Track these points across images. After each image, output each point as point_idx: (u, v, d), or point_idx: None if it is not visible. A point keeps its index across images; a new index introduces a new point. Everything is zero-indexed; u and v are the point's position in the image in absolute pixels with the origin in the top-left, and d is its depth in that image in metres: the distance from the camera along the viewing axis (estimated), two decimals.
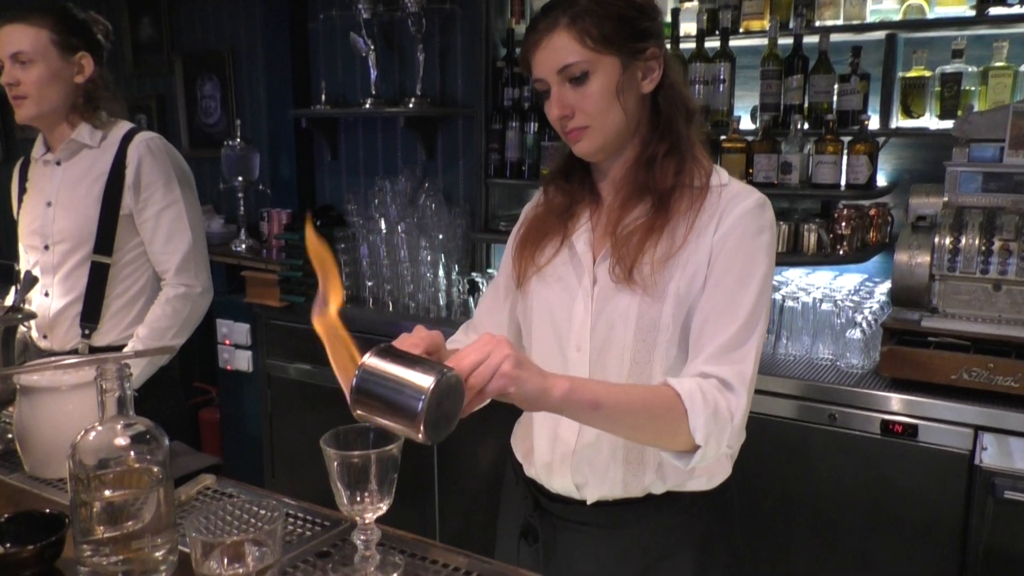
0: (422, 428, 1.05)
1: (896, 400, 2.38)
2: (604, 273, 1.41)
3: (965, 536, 2.31)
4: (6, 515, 1.30)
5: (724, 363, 1.29)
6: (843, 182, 2.74)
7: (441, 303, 3.34)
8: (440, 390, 1.06)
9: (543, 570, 1.50)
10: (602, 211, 1.47)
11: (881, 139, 2.76)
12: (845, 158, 2.72)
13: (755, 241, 1.34)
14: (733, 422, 1.27)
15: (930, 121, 2.73)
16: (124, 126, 2.37)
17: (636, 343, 1.38)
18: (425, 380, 1.06)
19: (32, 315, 1.92)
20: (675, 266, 1.36)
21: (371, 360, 1.10)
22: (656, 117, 1.42)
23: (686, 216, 1.37)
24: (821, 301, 2.71)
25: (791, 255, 2.81)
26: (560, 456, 1.47)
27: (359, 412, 1.10)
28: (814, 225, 2.78)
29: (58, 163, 2.36)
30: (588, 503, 1.47)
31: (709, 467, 1.46)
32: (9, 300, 2.21)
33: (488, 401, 1.35)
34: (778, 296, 2.78)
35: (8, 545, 1.26)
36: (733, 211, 1.36)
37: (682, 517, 1.47)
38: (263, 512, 1.21)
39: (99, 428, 1.22)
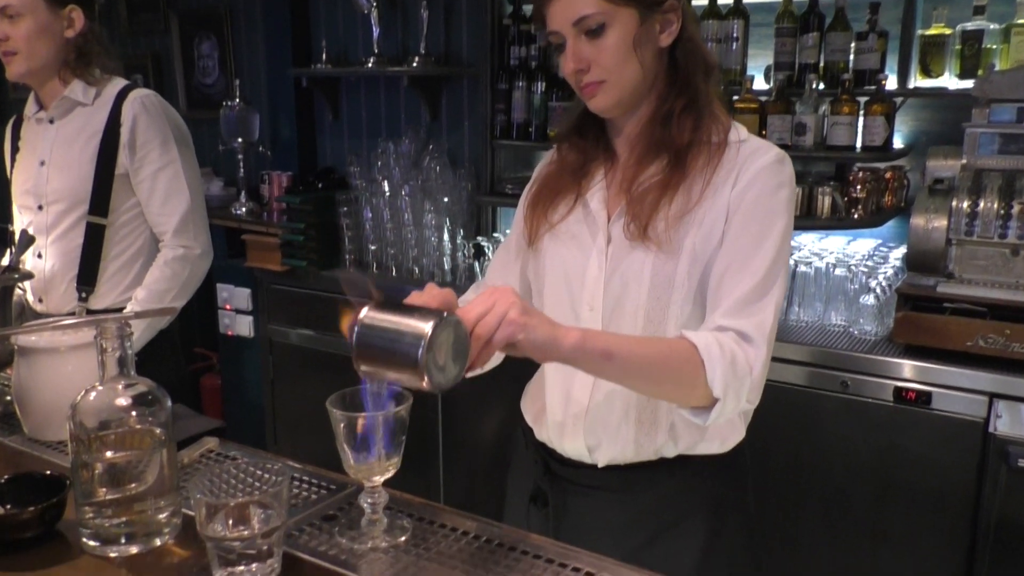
0: (425, 376, 1.04)
1: (909, 367, 2.37)
2: (618, 231, 1.40)
3: (977, 505, 2.31)
4: (6, 476, 1.30)
5: (742, 316, 1.28)
6: (859, 144, 2.72)
7: (446, 267, 3.33)
8: (440, 334, 1.05)
9: (553, 535, 1.50)
10: (617, 169, 1.46)
11: (898, 99, 2.73)
12: (861, 119, 2.70)
13: (774, 196, 1.33)
14: (752, 374, 1.26)
15: (949, 81, 2.70)
16: (119, 83, 2.35)
17: (650, 301, 1.37)
18: (424, 325, 1.04)
19: (29, 275, 1.91)
20: (691, 222, 1.35)
21: (369, 313, 1.08)
22: (674, 72, 1.40)
23: (703, 172, 1.36)
24: (834, 266, 2.70)
25: (804, 219, 2.79)
26: (573, 416, 1.46)
27: (363, 368, 1.10)
28: (828, 188, 2.76)
29: (51, 121, 2.34)
30: (599, 466, 1.47)
31: (722, 430, 1.46)
32: (5, 260, 2.20)
33: (499, 360, 1.35)
34: (790, 261, 2.76)
35: (8, 507, 1.26)
36: (752, 166, 1.34)
37: (694, 481, 1.47)
38: (268, 476, 1.21)
39: (100, 388, 1.22)
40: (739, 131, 1.40)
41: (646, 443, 1.44)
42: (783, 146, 2.74)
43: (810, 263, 2.73)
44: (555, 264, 1.47)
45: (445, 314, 1.07)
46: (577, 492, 1.51)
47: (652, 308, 1.38)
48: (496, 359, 1.54)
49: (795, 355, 2.52)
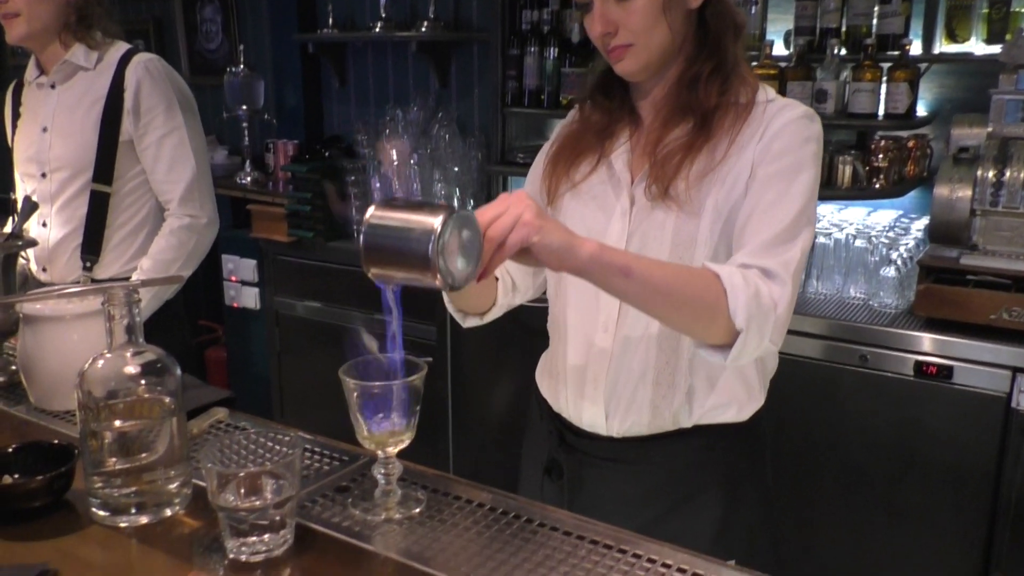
0: (436, 273, 1.03)
1: (931, 340, 2.36)
2: (640, 193, 1.39)
3: (998, 482, 2.31)
4: (13, 446, 1.30)
5: (767, 256, 1.25)
6: (881, 111, 2.69)
7: None
8: (450, 228, 1.04)
9: (567, 507, 1.50)
10: (642, 132, 1.45)
11: (923, 65, 2.70)
12: (884, 86, 2.67)
13: (801, 148, 1.32)
14: (776, 311, 1.22)
15: (976, 46, 2.66)
16: (121, 47, 2.33)
17: (672, 260, 1.37)
18: (433, 220, 1.03)
19: (33, 242, 1.91)
20: (713, 181, 1.34)
21: (376, 211, 1.07)
22: (703, 34, 1.38)
23: (728, 133, 1.35)
24: (854, 238, 2.68)
25: (824, 189, 2.73)
26: (591, 380, 1.46)
27: (373, 271, 1.08)
28: (849, 157, 2.74)
29: (52, 86, 2.33)
30: (615, 437, 1.46)
31: (739, 395, 1.45)
32: (7, 228, 2.20)
33: (527, 294, 1.40)
34: None
35: (16, 476, 1.26)
36: (778, 121, 1.34)
37: (711, 453, 1.47)
38: (278, 447, 1.21)
39: (108, 356, 1.22)
40: (767, 92, 1.40)
41: (663, 406, 1.43)
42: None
43: (830, 234, 2.71)
44: (575, 224, 1.46)
45: (455, 208, 1.05)
46: (592, 464, 1.51)
47: None
48: (520, 293, 1.54)
49: (813, 328, 2.51)
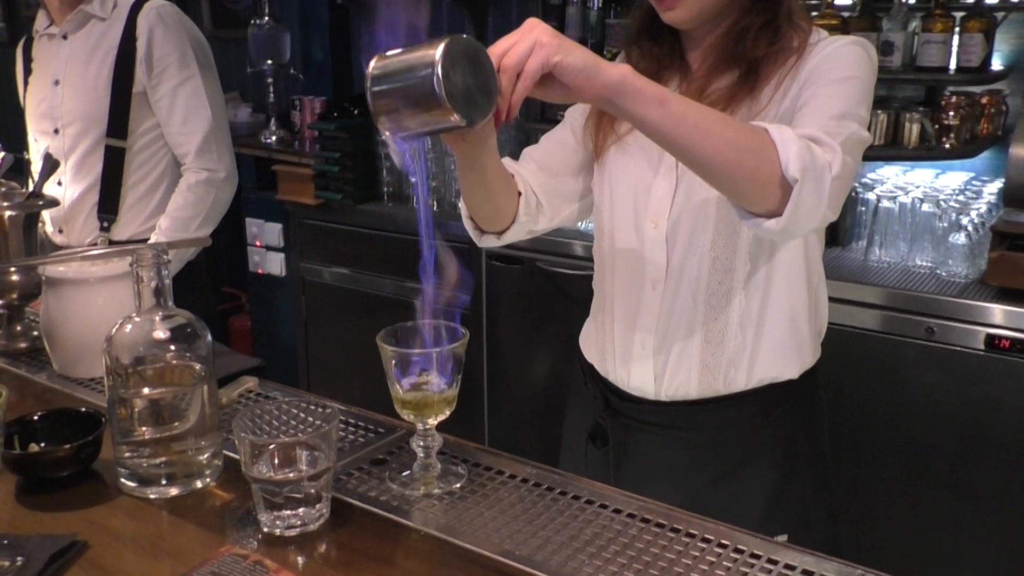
0: (448, 104, 1.02)
1: (1003, 312, 2.33)
2: None
3: None
4: (39, 413, 1.33)
5: (817, 131, 1.21)
6: (952, 65, 2.65)
7: None
8: (453, 55, 1.02)
9: (612, 475, 1.52)
10: (690, 80, 1.45)
11: (999, 15, 2.65)
12: (956, 37, 2.62)
13: (851, 66, 1.32)
14: (831, 171, 1.16)
15: None
16: None
17: (719, 213, 1.38)
18: (432, 49, 1.02)
19: (54, 202, 1.94)
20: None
21: (376, 61, 1.07)
22: None
23: (776, 78, 1.36)
24: (921, 202, 2.65)
25: (889, 148, 2.74)
26: (640, 338, 1.47)
27: (384, 122, 1.08)
28: (916, 115, 2.69)
29: (64, 37, 2.35)
30: (664, 400, 1.48)
31: (786, 350, 1.45)
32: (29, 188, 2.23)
33: (568, 214, 1.47)
34: (872, 196, 2.72)
35: (43, 444, 1.29)
36: (827, 47, 1.34)
37: (765, 420, 1.48)
38: (311, 418, 1.23)
39: (136, 320, 1.24)
40: (819, 33, 1.40)
41: (713, 365, 1.44)
42: None
43: (894, 198, 2.68)
44: (622, 176, 1.48)
45: (459, 35, 1.04)
46: (639, 429, 1.52)
47: (721, 220, 1.39)
48: (545, 216, 1.52)
49: (876, 298, 2.49)
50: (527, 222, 1.49)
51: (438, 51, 1.01)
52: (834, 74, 1.31)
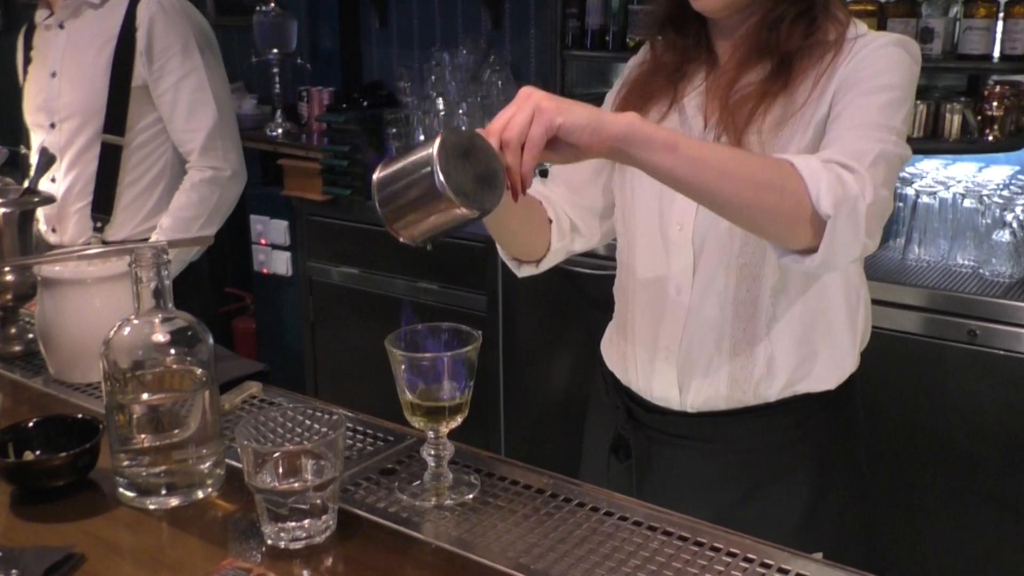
0: (455, 197, 1.06)
1: None
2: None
3: None
4: (34, 419, 1.34)
5: (844, 155, 1.22)
6: (996, 52, 2.63)
7: None
8: (447, 150, 1.07)
9: (635, 490, 1.52)
10: (718, 73, 1.45)
11: None
12: (1000, 23, 2.61)
13: (891, 71, 1.31)
14: (865, 199, 1.17)
15: None
16: None
17: None
18: (428, 148, 1.07)
19: (51, 199, 1.96)
20: (796, 127, 1.35)
21: (378, 174, 1.13)
22: None
23: (811, 75, 1.35)
24: (963, 197, 2.63)
25: (928, 141, 2.72)
26: (663, 349, 1.47)
27: (399, 231, 1.12)
28: (958, 105, 2.68)
29: (61, 26, 2.37)
30: (689, 412, 1.47)
31: (826, 359, 1.44)
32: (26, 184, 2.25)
33: (593, 240, 1.49)
34: (911, 191, 2.71)
35: (38, 452, 1.30)
36: (866, 49, 1.34)
37: (798, 432, 1.47)
38: (317, 426, 1.24)
39: (134, 322, 1.25)
40: (857, 27, 1.39)
41: (742, 378, 1.44)
42: None
43: (934, 193, 2.67)
44: (643, 179, 1.46)
45: (452, 128, 1.11)
46: (663, 442, 1.52)
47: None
48: (583, 238, 1.57)
49: (914, 300, 2.48)
50: (563, 246, 1.54)
51: (433, 151, 1.06)
52: (871, 82, 1.30)
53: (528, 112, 1.10)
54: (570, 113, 1.11)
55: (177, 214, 2.36)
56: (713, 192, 1.17)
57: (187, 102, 2.35)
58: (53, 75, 2.37)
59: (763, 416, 1.46)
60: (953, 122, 2.69)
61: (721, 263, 1.42)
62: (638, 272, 1.52)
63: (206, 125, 2.37)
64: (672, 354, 1.47)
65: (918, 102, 2.68)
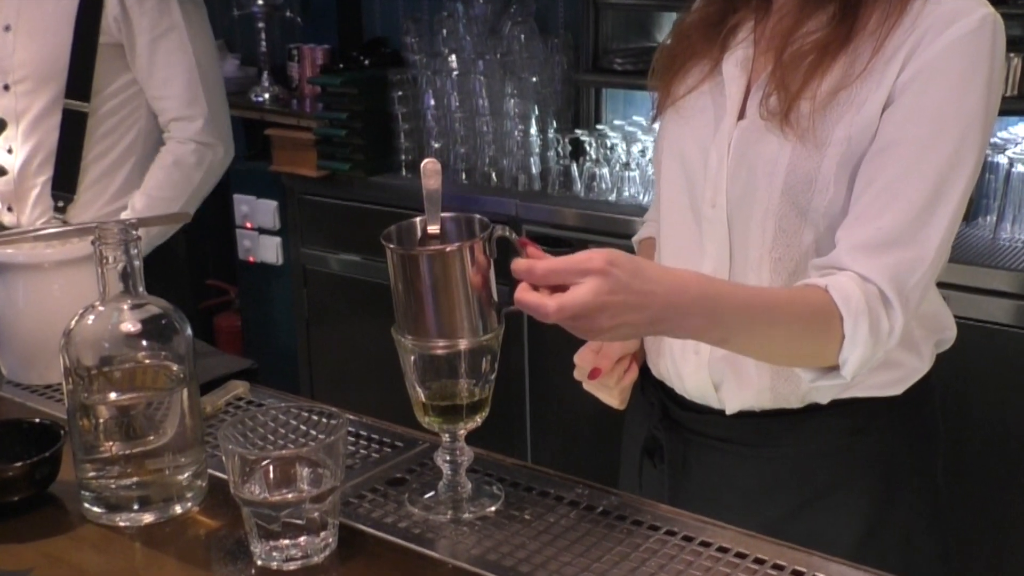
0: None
1: None
2: (754, 109, 1.38)
3: None
4: None
5: (888, 256, 1.26)
6: None
7: (534, 171, 3.32)
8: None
9: (668, 499, 1.51)
10: (769, 21, 1.43)
11: None
12: None
13: (961, 85, 1.28)
14: (892, 338, 1.28)
15: None
16: None
17: (783, 205, 1.36)
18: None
19: (2, 171, 1.96)
20: (848, 104, 1.32)
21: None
22: None
23: (875, 34, 1.32)
24: None
25: (1021, 101, 2.70)
26: (694, 351, 1.47)
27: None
28: None
29: None
30: (728, 413, 1.47)
31: (892, 362, 1.43)
32: None
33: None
34: (1003, 159, 2.69)
35: None
36: (939, 40, 1.29)
37: (859, 437, 1.46)
38: (313, 431, 1.23)
39: (100, 310, 1.24)
40: None
41: (784, 389, 1.43)
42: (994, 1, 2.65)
43: None
44: (673, 148, 1.48)
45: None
46: (701, 445, 1.51)
47: (785, 216, 1.37)
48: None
49: (1005, 285, 2.47)
50: None
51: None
52: (936, 107, 1.29)
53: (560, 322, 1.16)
54: (611, 332, 1.17)
55: (153, 193, 2.36)
56: (762, 357, 1.35)
57: (164, 63, 2.35)
58: (7, 29, 2.37)
59: (817, 417, 1.44)
60: None
61: (754, 249, 1.41)
62: (669, 254, 1.52)
63: (187, 91, 2.36)
64: (702, 352, 1.46)
65: (1011, 55, 2.65)
